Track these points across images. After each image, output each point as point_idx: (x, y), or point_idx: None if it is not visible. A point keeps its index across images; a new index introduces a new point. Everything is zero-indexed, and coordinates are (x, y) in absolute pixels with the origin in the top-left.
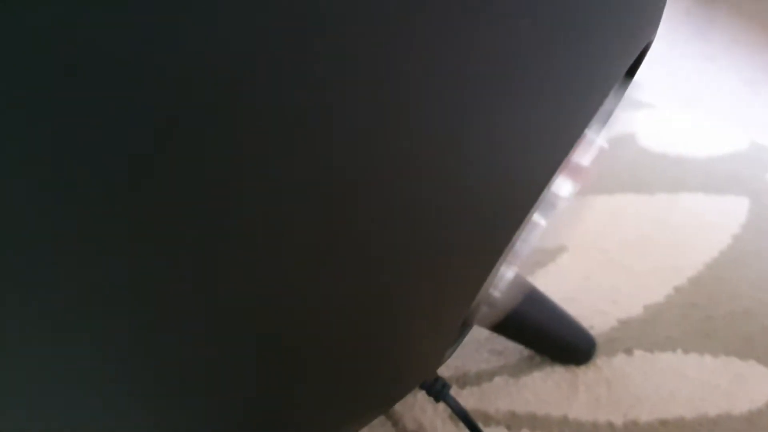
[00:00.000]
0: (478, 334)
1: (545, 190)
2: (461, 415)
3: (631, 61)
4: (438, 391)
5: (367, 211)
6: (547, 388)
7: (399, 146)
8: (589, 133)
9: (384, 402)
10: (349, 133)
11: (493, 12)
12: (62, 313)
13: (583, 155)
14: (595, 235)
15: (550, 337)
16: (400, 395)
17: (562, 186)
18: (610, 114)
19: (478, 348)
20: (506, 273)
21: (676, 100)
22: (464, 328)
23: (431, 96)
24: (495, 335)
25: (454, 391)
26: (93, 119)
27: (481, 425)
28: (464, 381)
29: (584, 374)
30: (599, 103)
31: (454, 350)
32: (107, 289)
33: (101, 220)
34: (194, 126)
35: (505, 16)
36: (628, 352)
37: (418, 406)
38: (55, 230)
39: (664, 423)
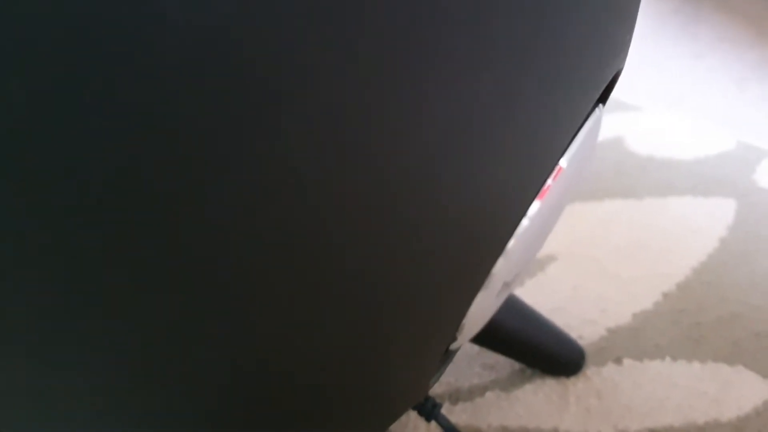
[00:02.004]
0: (470, 348)
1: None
2: None
3: (600, 92)
4: (429, 411)
5: (354, 258)
6: (538, 400)
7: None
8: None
9: (374, 429)
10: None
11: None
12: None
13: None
14: (584, 242)
15: (539, 351)
16: (390, 421)
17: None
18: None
19: (470, 363)
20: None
21: (664, 100)
22: (448, 355)
23: (408, 144)
24: (486, 350)
25: (446, 408)
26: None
27: None
28: (457, 397)
29: (574, 385)
30: (570, 134)
31: (439, 376)
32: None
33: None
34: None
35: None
36: (618, 361)
37: (411, 424)
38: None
39: None
